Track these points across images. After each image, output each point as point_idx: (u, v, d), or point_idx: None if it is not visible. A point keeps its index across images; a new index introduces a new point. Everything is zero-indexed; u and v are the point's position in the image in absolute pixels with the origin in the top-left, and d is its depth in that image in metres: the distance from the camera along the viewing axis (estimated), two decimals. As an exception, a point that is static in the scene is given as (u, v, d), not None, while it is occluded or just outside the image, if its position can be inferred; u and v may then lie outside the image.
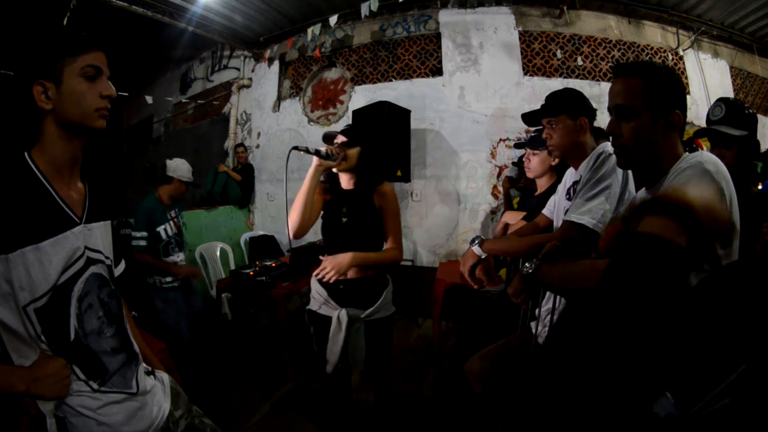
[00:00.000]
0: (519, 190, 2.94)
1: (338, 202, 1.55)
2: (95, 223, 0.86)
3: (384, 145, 3.08)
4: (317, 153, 1.40)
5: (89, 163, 0.87)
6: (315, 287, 1.60)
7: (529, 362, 1.28)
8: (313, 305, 1.60)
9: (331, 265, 1.39)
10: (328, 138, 1.51)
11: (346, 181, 1.54)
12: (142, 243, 2.26)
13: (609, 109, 0.95)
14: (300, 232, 1.45)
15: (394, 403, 1.80)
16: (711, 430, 0.38)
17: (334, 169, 1.48)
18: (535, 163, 1.95)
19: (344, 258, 1.40)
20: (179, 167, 2.41)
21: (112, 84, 0.81)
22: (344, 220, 1.53)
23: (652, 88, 0.88)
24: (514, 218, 2.07)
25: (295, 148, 1.41)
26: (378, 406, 1.78)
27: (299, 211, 1.42)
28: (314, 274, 1.45)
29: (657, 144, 0.89)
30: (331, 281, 1.43)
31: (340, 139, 1.47)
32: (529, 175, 2.03)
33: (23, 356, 0.75)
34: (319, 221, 1.60)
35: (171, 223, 2.37)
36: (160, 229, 2.30)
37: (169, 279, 2.36)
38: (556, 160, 1.87)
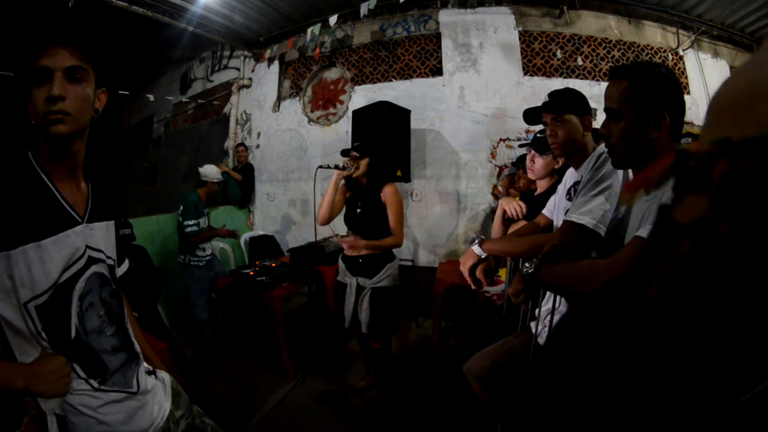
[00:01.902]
0: (516, 191, 2.94)
1: (355, 199, 2.08)
2: (97, 222, 0.86)
3: (387, 152, 3.17)
4: (337, 167, 1.98)
5: (92, 163, 0.87)
6: (339, 262, 2.15)
7: (529, 362, 1.28)
8: (339, 275, 2.15)
9: (350, 244, 1.99)
10: (345, 152, 2.02)
11: (362, 182, 2.03)
12: (195, 228, 2.80)
13: (604, 111, 0.96)
14: (326, 220, 2.04)
15: (393, 370, 2.19)
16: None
17: (354, 176, 1.99)
18: (539, 165, 1.94)
19: (359, 242, 1.96)
20: (209, 172, 3.02)
21: (60, 82, 0.72)
22: (358, 212, 2.04)
23: (638, 90, 0.89)
24: (508, 203, 2.07)
25: (321, 167, 2.02)
26: (378, 373, 2.17)
27: (325, 207, 2.02)
28: (340, 239, 2.09)
29: (644, 145, 0.90)
30: (351, 254, 2.03)
31: (354, 154, 1.96)
32: (531, 176, 2.03)
33: (25, 353, 0.75)
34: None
35: (205, 218, 2.97)
36: (200, 220, 2.89)
37: (195, 259, 2.86)
38: (561, 162, 1.86)
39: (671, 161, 0.28)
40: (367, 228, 1.99)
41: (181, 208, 2.88)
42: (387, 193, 1.98)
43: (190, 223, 2.82)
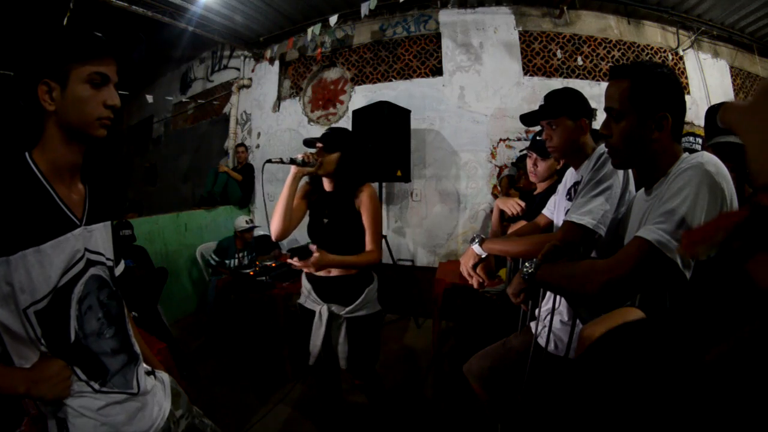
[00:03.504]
0: (518, 190, 2.94)
1: (321, 204, 1.62)
2: (95, 224, 0.85)
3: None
4: (292, 162, 1.45)
5: (89, 165, 0.87)
6: (303, 282, 1.67)
7: (529, 362, 1.28)
8: (302, 299, 1.69)
9: (311, 263, 1.43)
10: (309, 144, 1.55)
11: (327, 184, 1.59)
12: (213, 263, 3.36)
13: (605, 110, 0.96)
14: (281, 234, 1.51)
15: (387, 401, 1.83)
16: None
17: (318, 173, 1.53)
18: (542, 169, 1.94)
19: (325, 258, 1.44)
20: (237, 222, 3.42)
21: (117, 93, 0.79)
22: (325, 221, 1.58)
23: (639, 90, 0.88)
24: (504, 202, 2.07)
25: (269, 161, 1.47)
26: (371, 405, 1.81)
27: (279, 215, 1.49)
28: (293, 262, 1.48)
29: (646, 145, 0.90)
30: (314, 275, 1.54)
31: (319, 145, 1.52)
32: (534, 179, 2.02)
33: (23, 358, 0.75)
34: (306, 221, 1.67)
35: (236, 260, 3.38)
36: (228, 261, 3.35)
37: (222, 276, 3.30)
38: (561, 163, 1.87)
39: (742, 215, 0.25)
40: (336, 243, 1.52)
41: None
42: (364, 197, 1.53)
43: (215, 257, 3.36)
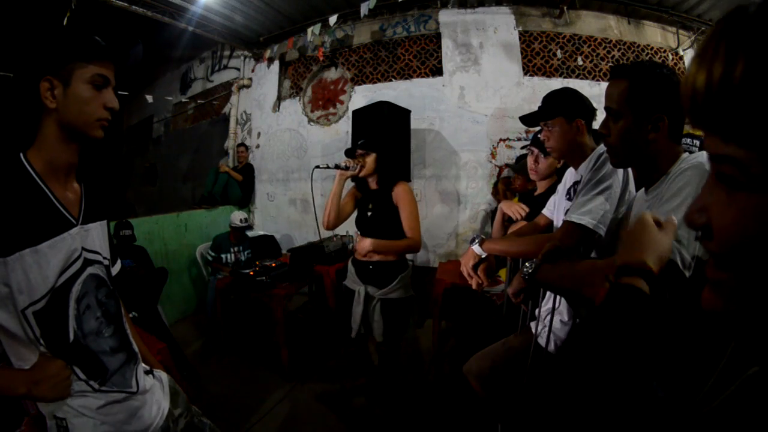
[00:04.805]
0: (511, 192, 2.93)
1: (366, 200, 1.91)
2: (92, 223, 0.85)
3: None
4: (337, 167, 1.77)
5: (85, 164, 0.87)
6: (349, 266, 1.96)
7: (529, 363, 1.28)
8: (346, 280, 1.97)
9: (358, 247, 1.77)
10: (350, 152, 1.86)
11: (372, 182, 1.88)
12: (209, 258, 3.43)
13: (604, 110, 0.96)
14: (331, 226, 1.86)
15: (397, 369, 2.04)
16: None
17: (360, 175, 1.81)
18: (543, 166, 1.94)
19: (365, 242, 1.74)
20: (232, 217, 3.45)
21: (116, 96, 0.82)
22: (369, 215, 1.86)
23: (637, 91, 0.88)
24: (509, 207, 2.07)
25: (318, 166, 1.78)
26: (381, 367, 2.05)
27: (328, 211, 1.83)
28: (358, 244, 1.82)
29: (644, 145, 0.89)
30: (361, 259, 1.83)
31: (359, 152, 1.80)
32: (534, 177, 2.02)
33: (22, 359, 0.75)
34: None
35: (232, 254, 3.41)
36: (224, 255, 3.39)
37: (221, 275, 3.31)
38: (562, 162, 1.87)
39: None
40: (378, 232, 1.79)
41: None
42: (399, 192, 1.79)
43: (211, 252, 3.42)
